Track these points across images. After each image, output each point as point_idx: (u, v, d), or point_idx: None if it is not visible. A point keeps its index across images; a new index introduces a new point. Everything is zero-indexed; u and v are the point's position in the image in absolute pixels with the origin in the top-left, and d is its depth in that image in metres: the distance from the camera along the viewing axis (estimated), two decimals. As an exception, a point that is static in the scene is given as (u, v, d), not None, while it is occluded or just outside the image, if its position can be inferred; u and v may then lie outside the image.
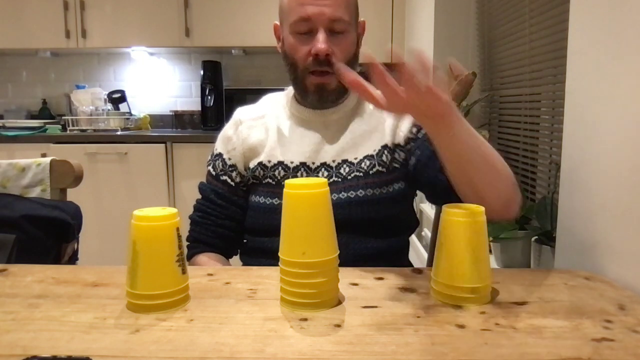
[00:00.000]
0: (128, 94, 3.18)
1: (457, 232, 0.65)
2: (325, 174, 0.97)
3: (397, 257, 1.02)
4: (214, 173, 1.05)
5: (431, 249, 1.29)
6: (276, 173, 0.98)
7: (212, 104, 3.10)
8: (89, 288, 0.71)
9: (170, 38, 2.94)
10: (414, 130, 0.99)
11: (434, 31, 2.13)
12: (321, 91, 0.96)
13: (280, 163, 0.98)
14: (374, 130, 1.00)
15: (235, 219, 1.03)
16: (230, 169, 1.03)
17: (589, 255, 0.87)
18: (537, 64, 1.57)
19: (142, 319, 0.61)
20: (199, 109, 3.17)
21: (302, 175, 0.97)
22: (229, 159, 1.04)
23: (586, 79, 0.89)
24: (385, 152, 0.98)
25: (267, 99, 1.10)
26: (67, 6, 2.90)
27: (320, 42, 0.91)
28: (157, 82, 3.34)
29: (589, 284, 0.74)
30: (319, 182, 0.63)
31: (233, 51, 3.16)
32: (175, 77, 3.34)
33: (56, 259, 1.07)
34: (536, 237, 1.16)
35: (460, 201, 0.77)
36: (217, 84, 3.11)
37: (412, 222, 1.06)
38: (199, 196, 1.07)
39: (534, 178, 1.58)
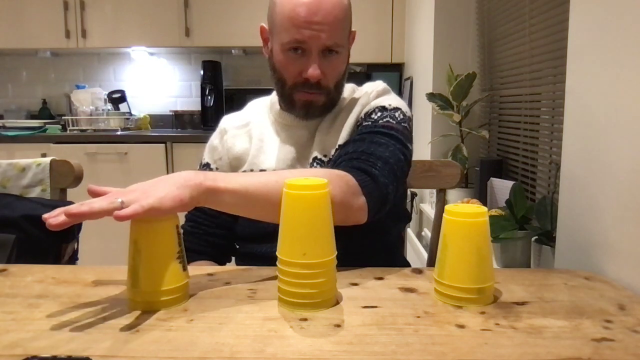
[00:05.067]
0: (128, 94, 3.19)
1: (462, 233, 0.65)
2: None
3: (388, 255, 1.01)
4: None
5: (431, 248, 1.29)
6: None
7: (212, 104, 3.10)
8: (89, 288, 0.71)
9: (170, 38, 2.94)
10: (355, 129, 0.98)
11: (434, 31, 2.13)
12: (308, 107, 0.96)
13: (263, 171, 0.97)
14: (337, 129, 0.98)
15: (226, 227, 1.02)
16: None
17: (589, 255, 0.87)
18: (537, 64, 1.57)
19: (142, 319, 0.61)
20: (199, 109, 3.17)
21: None
22: (217, 168, 1.04)
23: (586, 79, 0.89)
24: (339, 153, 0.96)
25: (252, 105, 1.10)
26: (67, 6, 2.90)
27: (313, 68, 0.90)
28: (157, 82, 3.34)
29: (589, 284, 0.74)
30: (320, 183, 0.63)
31: (233, 51, 3.16)
32: (175, 77, 3.34)
33: (56, 259, 1.07)
34: (536, 237, 1.16)
35: None
36: (217, 84, 3.11)
37: (396, 217, 1.03)
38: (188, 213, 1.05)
39: (534, 178, 1.58)
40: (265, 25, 0.99)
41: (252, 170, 0.99)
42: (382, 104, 0.97)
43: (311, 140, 0.99)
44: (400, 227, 1.07)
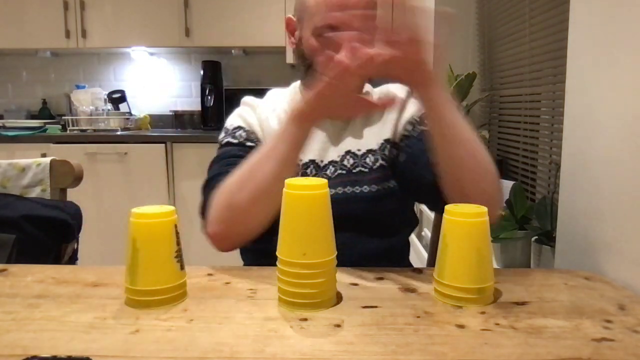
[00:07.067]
0: (128, 94, 3.19)
1: (462, 233, 0.65)
2: (332, 169, 0.96)
3: (398, 258, 1.02)
4: (236, 142, 0.97)
5: (431, 249, 1.29)
6: None
7: (212, 104, 3.10)
8: (89, 288, 0.71)
9: (170, 38, 2.94)
10: (409, 128, 0.99)
11: (434, 31, 2.13)
12: None
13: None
14: (376, 124, 0.99)
15: None
16: (256, 139, 0.98)
17: (589, 255, 0.87)
18: (537, 64, 1.57)
19: (142, 319, 0.61)
20: (199, 109, 3.17)
21: (311, 172, 0.96)
22: (253, 132, 0.99)
23: (586, 79, 0.89)
24: (388, 146, 0.98)
25: (274, 95, 1.07)
26: (67, 6, 2.90)
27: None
28: (157, 82, 3.34)
29: (589, 284, 0.74)
30: (319, 183, 0.63)
31: (233, 51, 3.16)
32: (175, 77, 3.34)
33: (56, 259, 1.07)
34: (536, 237, 1.16)
35: (442, 201, 0.78)
36: (217, 84, 3.11)
37: (412, 220, 1.05)
38: (210, 171, 0.95)
39: (534, 178, 1.58)
40: (292, 17, 0.99)
41: None
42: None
43: (340, 132, 0.99)
44: (409, 231, 1.07)
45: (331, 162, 0.97)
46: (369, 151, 0.97)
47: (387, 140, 0.98)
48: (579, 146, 0.92)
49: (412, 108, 1.01)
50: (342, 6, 0.88)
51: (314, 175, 0.95)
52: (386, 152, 0.97)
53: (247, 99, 1.05)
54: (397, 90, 1.03)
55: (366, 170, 0.95)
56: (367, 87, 1.05)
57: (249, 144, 0.97)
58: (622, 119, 0.78)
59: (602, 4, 0.84)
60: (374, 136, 0.98)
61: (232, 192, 0.83)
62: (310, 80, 0.97)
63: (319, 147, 0.98)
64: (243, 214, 0.82)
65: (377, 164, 0.96)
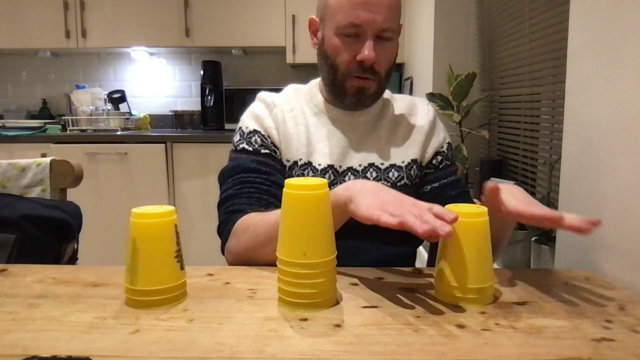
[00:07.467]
0: (128, 94, 3.19)
1: (462, 233, 0.65)
2: (352, 178, 0.96)
3: (405, 263, 1.02)
4: (251, 149, 0.96)
5: (431, 249, 1.29)
6: (305, 173, 0.96)
7: (212, 104, 3.10)
8: (89, 288, 0.71)
9: (170, 38, 2.94)
10: (439, 159, 1.02)
11: (434, 31, 2.13)
12: (360, 94, 0.95)
13: (309, 164, 0.96)
14: (402, 140, 1.00)
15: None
16: (271, 144, 0.97)
17: (589, 255, 0.87)
18: (537, 64, 1.57)
19: (142, 319, 0.61)
20: (199, 109, 3.17)
21: (329, 178, 0.95)
22: (268, 136, 0.98)
23: (586, 79, 0.89)
24: (414, 167, 0.99)
25: (292, 91, 1.05)
26: (67, 6, 2.90)
27: (369, 50, 0.89)
28: (157, 82, 3.34)
29: (589, 284, 0.74)
30: (320, 183, 0.63)
31: (233, 51, 3.16)
32: (175, 77, 3.34)
33: (56, 259, 1.07)
34: (536, 237, 1.16)
35: None
36: (217, 84, 3.11)
37: None
38: (225, 185, 0.96)
39: (534, 178, 1.58)
40: (315, 17, 0.99)
41: (300, 159, 0.96)
42: (449, 141, 1.06)
43: (360, 139, 0.99)
44: (421, 240, 1.07)
45: (350, 169, 0.97)
46: (392, 166, 0.98)
47: (414, 161, 0.99)
48: (579, 146, 0.92)
49: (441, 134, 1.04)
50: (365, 4, 0.88)
51: (333, 182, 0.95)
52: (412, 173, 0.99)
53: (264, 95, 1.04)
54: (423, 105, 1.05)
55: (389, 184, 0.96)
56: (387, 93, 1.05)
57: (263, 151, 0.96)
58: (622, 119, 0.78)
59: (602, 4, 0.84)
60: (399, 152, 0.99)
61: (257, 241, 0.83)
62: (331, 80, 0.96)
63: (338, 151, 0.97)
64: (263, 260, 0.82)
65: (402, 182, 0.97)
